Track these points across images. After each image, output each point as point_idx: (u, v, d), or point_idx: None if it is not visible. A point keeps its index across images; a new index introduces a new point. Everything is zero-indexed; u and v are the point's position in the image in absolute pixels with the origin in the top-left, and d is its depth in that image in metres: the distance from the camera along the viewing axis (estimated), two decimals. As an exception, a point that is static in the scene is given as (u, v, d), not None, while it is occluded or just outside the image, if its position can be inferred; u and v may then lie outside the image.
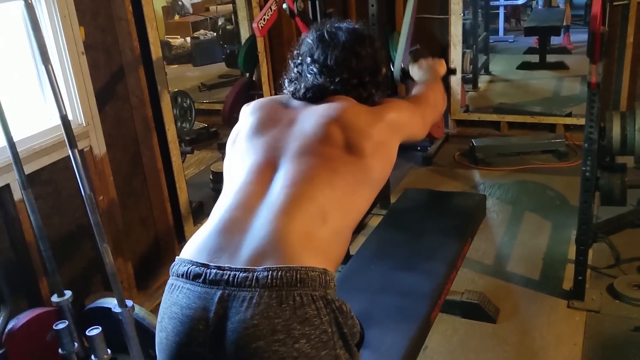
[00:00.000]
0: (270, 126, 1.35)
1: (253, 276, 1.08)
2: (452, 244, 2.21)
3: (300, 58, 1.44)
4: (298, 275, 1.08)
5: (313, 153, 1.26)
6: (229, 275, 1.09)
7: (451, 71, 1.86)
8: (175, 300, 1.14)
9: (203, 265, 1.13)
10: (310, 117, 1.34)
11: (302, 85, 1.40)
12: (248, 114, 1.42)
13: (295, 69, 1.44)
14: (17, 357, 1.97)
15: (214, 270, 1.11)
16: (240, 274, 1.09)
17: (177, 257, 1.20)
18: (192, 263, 1.15)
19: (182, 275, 1.15)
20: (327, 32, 1.42)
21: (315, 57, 1.40)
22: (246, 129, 1.37)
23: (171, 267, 1.20)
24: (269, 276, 1.07)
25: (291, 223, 1.15)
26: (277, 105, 1.42)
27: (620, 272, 2.84)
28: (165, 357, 1.17)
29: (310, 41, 1.43)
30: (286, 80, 1.47)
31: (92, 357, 1.99)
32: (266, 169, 1.26)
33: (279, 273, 1.08)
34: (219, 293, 1.09)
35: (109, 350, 1.99)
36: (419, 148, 4.46)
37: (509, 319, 2.62)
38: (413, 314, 1.86)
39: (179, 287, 1.15)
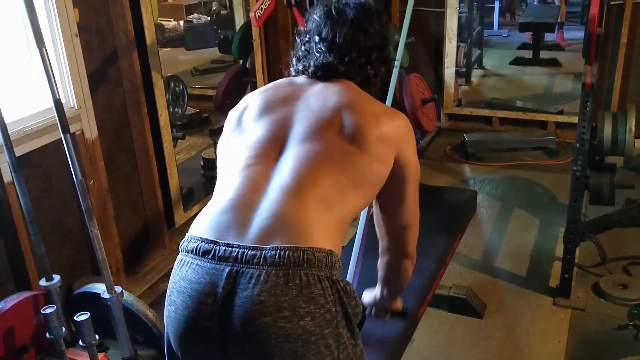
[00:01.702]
0: (276, 106, 1.34)
1: (261, 254, 1.11)
2: (442, 239, 2.22)
3: (307, 36, 1.42)
4: (305, 256, 1.11)
5: (318, 139, 1.25)
6: (238, 252, 1.12)
7: (402, 314, 1.76)
8: (184, 275, 1.17)
9: (212, 242, 1.15)
10: (318, 100, 1.32)
11: (312, 62, 1.38)
12: (255, 95, 1.40)
13: (303, 47, 1.42)
14: (4, 340, 1.96)
15: (223, 247, 1.13)
16: (249, 252, 1.11)
17: (187, 233, 1.22)
18: (202, 240, 1.17)
19: (192, 251, 1.17)
20: (334, 9, 1.40)
21: (324, 35, 1.38)
22: (252, 110, 1.35)
23: (180, 243, 1.22)
24: (277, 255, 1.10)
25: (299, 205, 1.17)
26: (282, 87, 1.41)
27: (606, 271, 2.87)
28: (173, 330, 1.19)
29: (317, 18, 1.41)
30: (294, 59, 1.44)
31: (80, 342, 1.99)
32: (272, 149, 1.26)
33: (287, 252, 1.10)
34: (227, 269, 1.11)
35: (97, 336, 1.99)
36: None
37: (495, 315, 2.64)
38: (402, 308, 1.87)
39: (188, 263, 1.17)
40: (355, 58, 1.37)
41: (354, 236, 2.28)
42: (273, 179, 1.21)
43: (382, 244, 1.53)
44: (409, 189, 1.40)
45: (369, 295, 1.71)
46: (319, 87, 1.36)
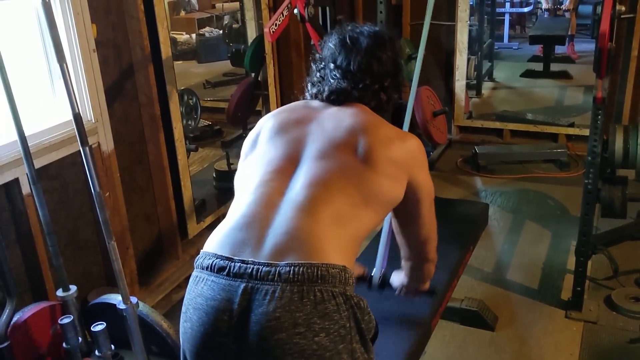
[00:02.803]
0: (291, 127, 1.38)
1: (276, 271, 1.13)
2: (454, 252, 2.23)
3: (323, 62, 1.47)
4: (319, 272, 1.13)
5: (331, 157, 1.29)
6: (253, 268, 1.14)
7: (431, 292, 1.80)
8: (200, 291, 1.19)
9: (227, 258, 1.17)
10: (332, 121, 1.36)
11: (326, 88, 1.43)
12: (271, 116, 1.44)
13: (318, 73, 1.47)
14: (21, 350, 1.99)
15: (238, 264, 1.16)
16: (264, 268, 1.14)
17: (201, 250, 1.25)
18: (217, 256, 1.19)
19: (207, 267, 1.19)
20: (349, 37, 1.44)
21: (338, 62, 1.42)
22: (267, 130, 1.39)
23: (195, 260, 1.24)
24: (291, 271, 1.12)
25: (312, 221, 1.19)
26: (297, 108, 1.45)
27: (618, 284, 2.86)
28: (190, 346, 1.21)
29: (332, 45, 1.46)
30: (309, 84, 1.49)
31: (96, 352, 2.01)
32: (287, 167, 1.30)
33: (301, 269, 1.12)
34: (242, 286, 1.14)
35: (112, 346, 2.01)
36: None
37: (506, 327, 2.64)
38: (414, 320, 1.88)
39: (203, 279, 1.19)
40: (369, 85, 1.42)
41: (369, 246, 2.30)
42: (287, 196, 1.24)
43: (403, 251, 1.61)
44: (423, 209, 1.45)
45: (398, 278, 1.77)
46: (334, 110, 1.40)
